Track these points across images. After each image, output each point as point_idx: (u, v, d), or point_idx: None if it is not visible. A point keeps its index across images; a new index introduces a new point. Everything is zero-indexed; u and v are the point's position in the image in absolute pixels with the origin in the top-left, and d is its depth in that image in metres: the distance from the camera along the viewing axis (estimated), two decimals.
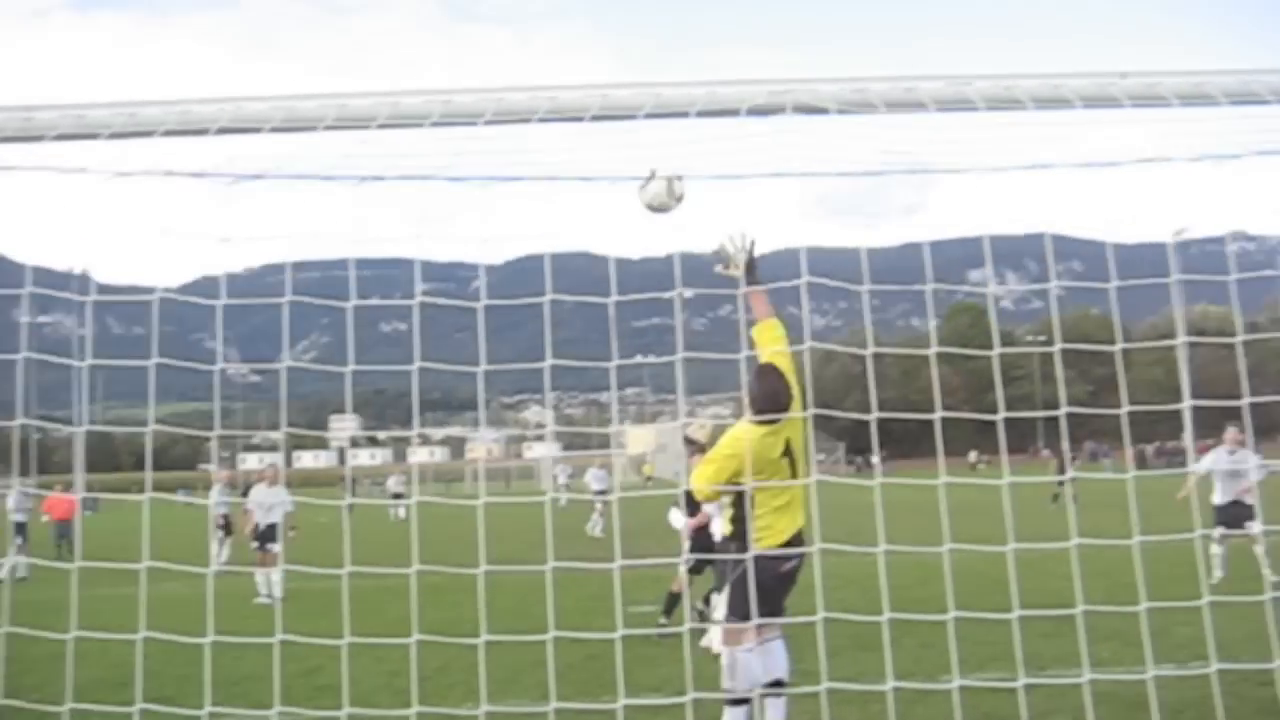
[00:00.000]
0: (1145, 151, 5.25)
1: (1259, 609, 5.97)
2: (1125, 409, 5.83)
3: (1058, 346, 6.12)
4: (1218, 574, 17.79)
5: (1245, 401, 6.14)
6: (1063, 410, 5.94)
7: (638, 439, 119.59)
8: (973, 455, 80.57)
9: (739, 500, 7.73)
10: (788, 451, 7.80)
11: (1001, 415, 6.03)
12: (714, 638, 11.26)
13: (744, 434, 7.66)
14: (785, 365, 7.88)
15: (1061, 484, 38.92)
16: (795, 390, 7.74)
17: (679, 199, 6.77)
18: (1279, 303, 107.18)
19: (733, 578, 7.79)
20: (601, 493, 36.91)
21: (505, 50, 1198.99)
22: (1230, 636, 6.47)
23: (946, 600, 5.62)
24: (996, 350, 6.04)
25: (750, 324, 7.97)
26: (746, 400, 7.79)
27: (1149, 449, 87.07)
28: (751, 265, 7.80)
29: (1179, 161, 5.18)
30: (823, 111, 4.91)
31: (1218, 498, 18.76)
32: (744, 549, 7.41)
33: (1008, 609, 5.65)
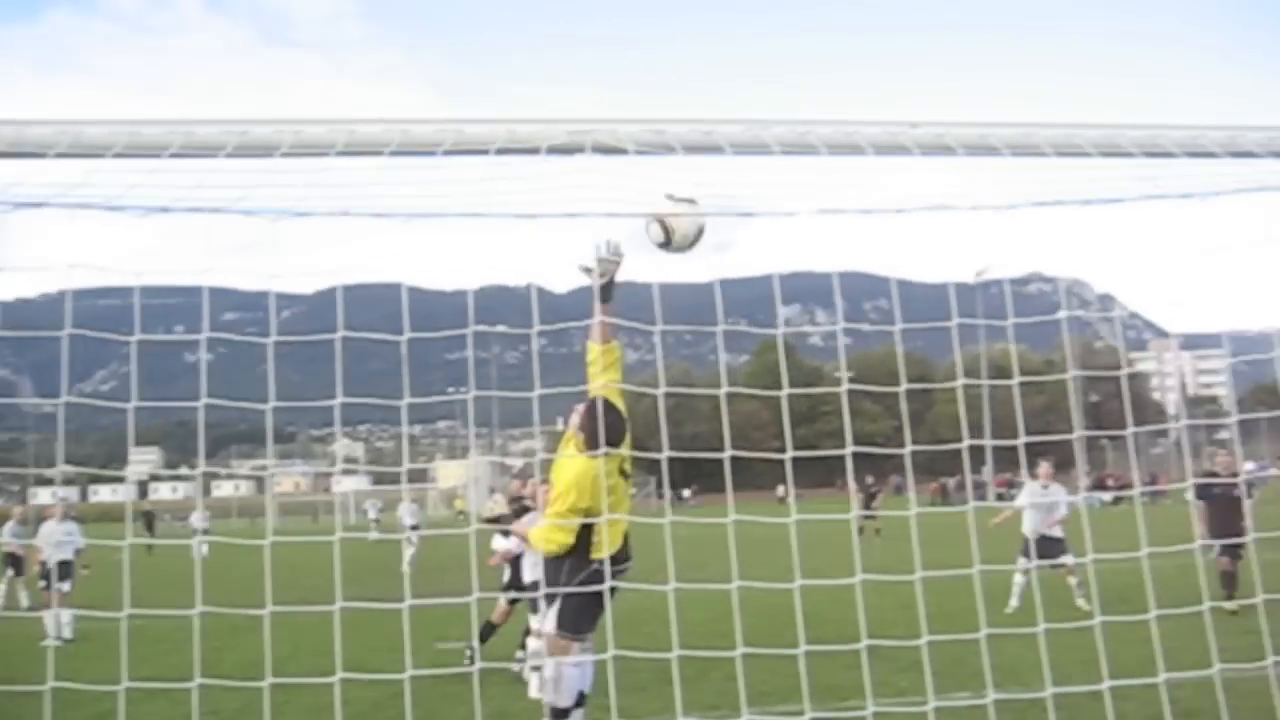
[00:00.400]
0: (942, 197, 5.39)
1: (1060, 636, 6.12)
2: (909, 449, 5.92)
3: (844, 387, 6.21)
4: (1014, 603, 18.30)
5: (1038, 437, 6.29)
6: (847, 452, 6.01)
7: (449, 473, 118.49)
8: (780, 489, 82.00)
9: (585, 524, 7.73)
10: (623, 471, 7.83)
11: (789, 455, 6.06)
12: (533, 684, 11.24)
13: (584, 469, 7.63)
14: (617, 395, 7.88)
15: (867, 518, 40.06)
16: (627, 422, 7.76)
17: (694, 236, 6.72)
18: (1073, 341, 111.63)
19: (566, 591, 7.76)
20: (414, 527, 36.57)
21: (317, 77, 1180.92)
22: (1025, 663, 6.63)
23: (751, 634, 5.63)
24: (786, 391, 6.06)
25: (603, 339, 7.94)
26: (581, 433, 7.76)
27: (950, 482, 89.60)
28: (610, 283, 7.72)
29: (965, 209, 5.32)
30: (622, 152, 4.92)
31: (1028, 530, 19.35)
32: (579, 564, 7.39)
33: (810, 641, 5.70)
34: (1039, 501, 19.27)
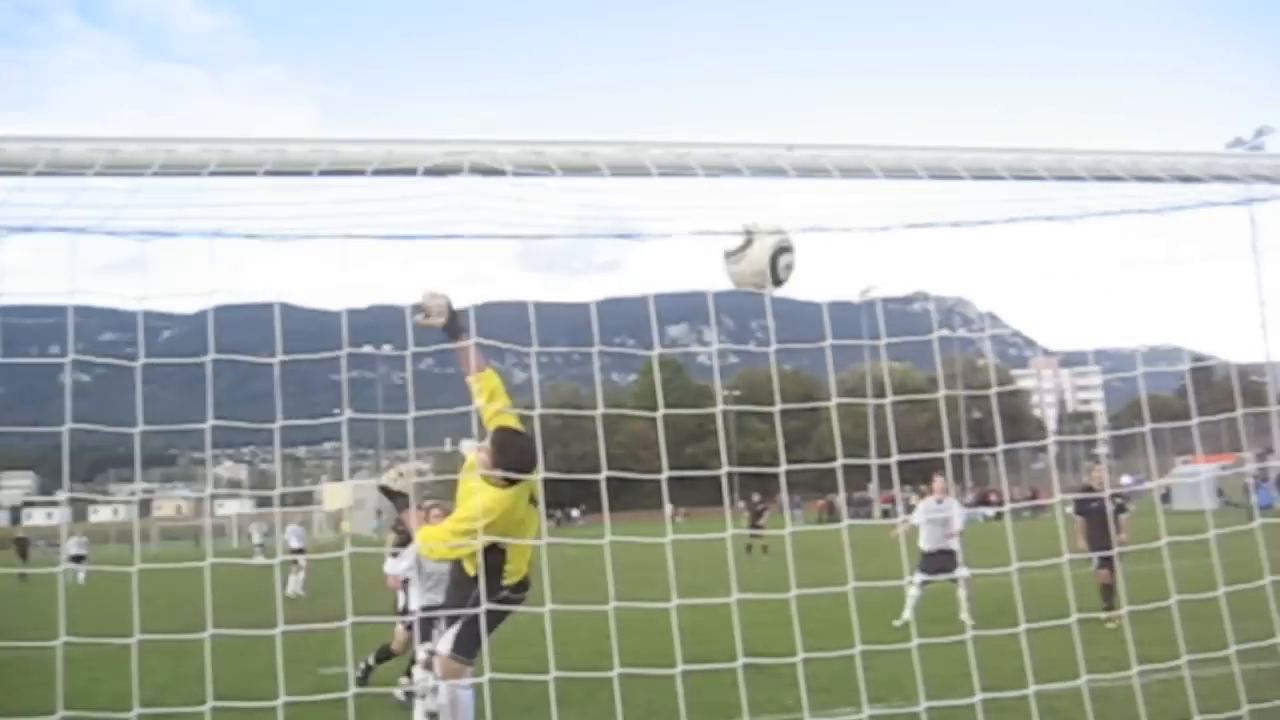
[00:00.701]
0: (821, 218, 5.46)
1: (944, 650, 6.19)
2: (782, 467, 5.95)
3: (718, 409, 6.25)
4: (906, 616, 18.43)
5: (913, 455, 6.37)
6: (723, 472, 6.02)
7: (335, 495, 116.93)
8: (669, 509, 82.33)
9: (492, 550, 7.63)
10: (533, 499, 7.79)
11: (665, 475, 6.04)
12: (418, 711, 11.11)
13: (496, 500, 7.57)
14: (514, 420, 7.81)
15: (753, 536, 40.35)
16: (536, 446, 7.69)
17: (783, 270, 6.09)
18: (955, 359, 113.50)
19: (467, 617, 7.71)
20: (299, 550, 35.99)
21: (199, 93, 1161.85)
22: (910, 677, 6.70)
23: (640, 654, 5.62)
24: (662, 412, 6.05)
25: (477, 368, 7.84)
26: (489, 463, 7.64)
27: (838, 499, 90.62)
28: (453, 318, 7.60)
29: (837, 230, 5.39)
30: (500, 173, 4.87)
31: (925, 544, 19.59)
32: (491, 589, 7.31)
33: (697, 660, 5.70)
34: (934, 516, 19.54)
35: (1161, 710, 6.50)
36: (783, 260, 5.92)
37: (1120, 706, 6.55)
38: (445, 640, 8.12)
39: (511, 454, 7.52)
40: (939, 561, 19.04)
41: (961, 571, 18.75)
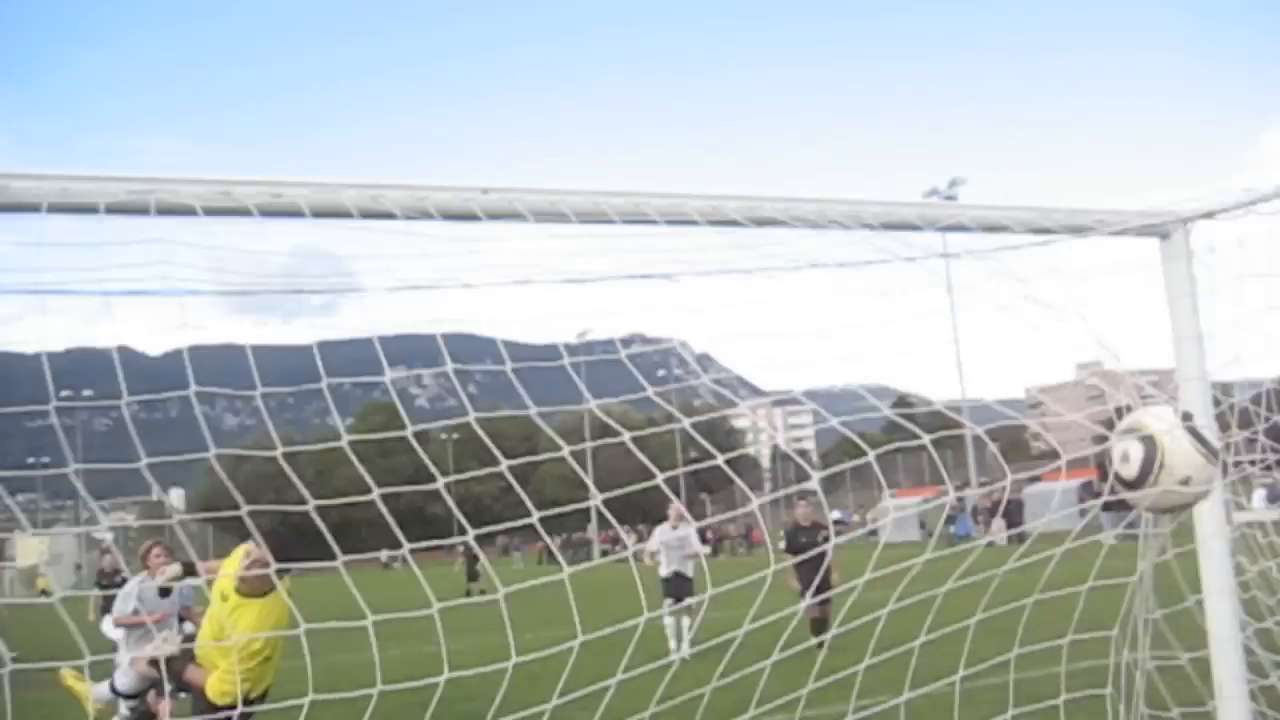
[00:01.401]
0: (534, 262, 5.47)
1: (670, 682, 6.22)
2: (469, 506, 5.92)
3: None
4: (673, 645, 18.73)
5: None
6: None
7: (29, 550, 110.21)
8: (384, 554, 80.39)
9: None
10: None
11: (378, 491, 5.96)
12: None
13: (279, 617, 7.43)
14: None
15: (472, 579, 40.52)
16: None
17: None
18: (670, 400, 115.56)
19: None
20: None
21: None
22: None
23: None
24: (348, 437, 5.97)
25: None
26: (262, 560, 7.27)
27: (557, 541, 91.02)
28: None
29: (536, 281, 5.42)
30: (191, 213, 4.65)
31: (664, 570, 19.99)
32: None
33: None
34: (669, 539, 20.01)
35: None
36: (1193, 428, 5.07)
37: None
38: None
39: (287, 544, 7.05)
40: (676, 585, 19.47)
41: (691, 600, 19.10)
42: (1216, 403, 6.44)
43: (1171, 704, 6.60)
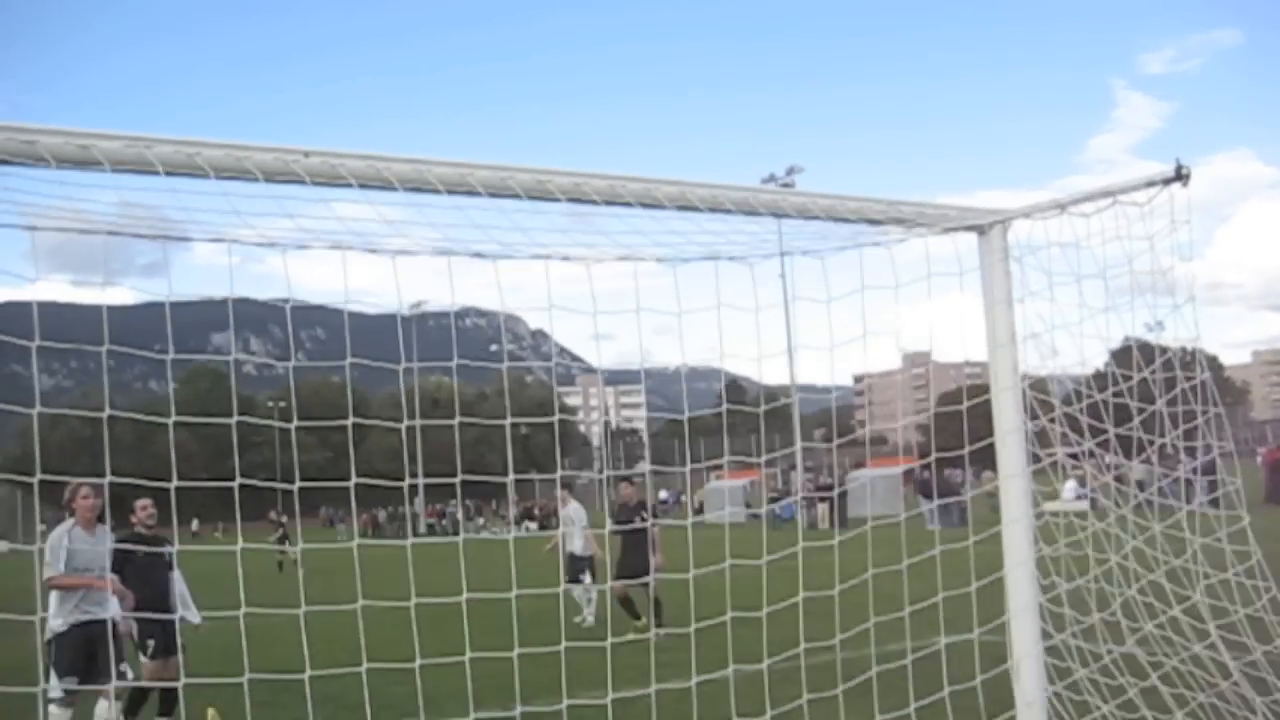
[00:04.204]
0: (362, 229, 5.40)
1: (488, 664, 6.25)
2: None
3: (294, 424, 6.14)
4: (588, 616, 19.94)
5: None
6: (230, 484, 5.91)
7: None
8: (195, 523, 77.92)
9: None
10: None
11: (238, 482, 5.90)
12: None
13: None
14: None
15: (282, 552, 39.98)
16: None
17: None
18: (502, 375, 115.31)
19: None
20: None
21: None
22: (446, 690, 6.74)
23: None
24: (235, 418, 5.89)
25: None
26: None
27: (382, 513, 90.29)
28: None
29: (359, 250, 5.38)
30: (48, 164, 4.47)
31: (576, 548, 20.19)
32: None
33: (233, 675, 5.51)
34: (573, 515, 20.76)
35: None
36: None
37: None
38: None
39: None
40: (572, 564, 19.88)
41: (585, 578, 20.14)
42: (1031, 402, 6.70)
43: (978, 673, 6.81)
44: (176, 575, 11.78)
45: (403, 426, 6.67)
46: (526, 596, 5.83)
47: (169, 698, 11.58)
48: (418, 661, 5.46)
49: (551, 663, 6.17)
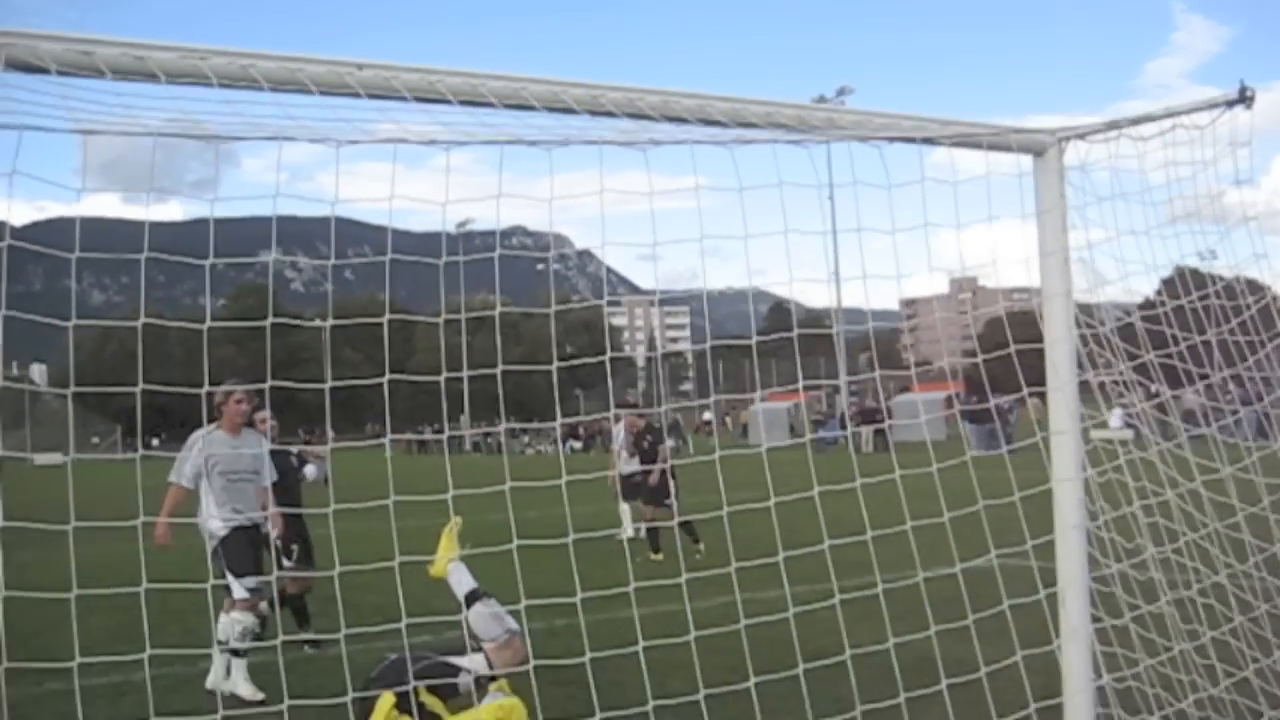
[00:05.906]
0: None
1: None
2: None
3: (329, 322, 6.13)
4: (629, 531, 20.60)
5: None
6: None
7: None
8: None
9: None
10: None
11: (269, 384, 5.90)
12: None
13: None
14: None
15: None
16: None
17: None
18: (548, 294, 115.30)
19: None
20: None
21: None
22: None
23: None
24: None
25: None
26: None
27: (428, 430, 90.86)
28: None
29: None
30: (45, 71, 4.40)
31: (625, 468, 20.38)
32: None
33: None
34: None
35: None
36: None
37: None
38: None
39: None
40: (633, 486, 19.81)
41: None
42: (1080, 324, 6.60)
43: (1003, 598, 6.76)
44: None
45: (440, 320, 6.62)
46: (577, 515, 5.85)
47: (304, 608, 11.93)
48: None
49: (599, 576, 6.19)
